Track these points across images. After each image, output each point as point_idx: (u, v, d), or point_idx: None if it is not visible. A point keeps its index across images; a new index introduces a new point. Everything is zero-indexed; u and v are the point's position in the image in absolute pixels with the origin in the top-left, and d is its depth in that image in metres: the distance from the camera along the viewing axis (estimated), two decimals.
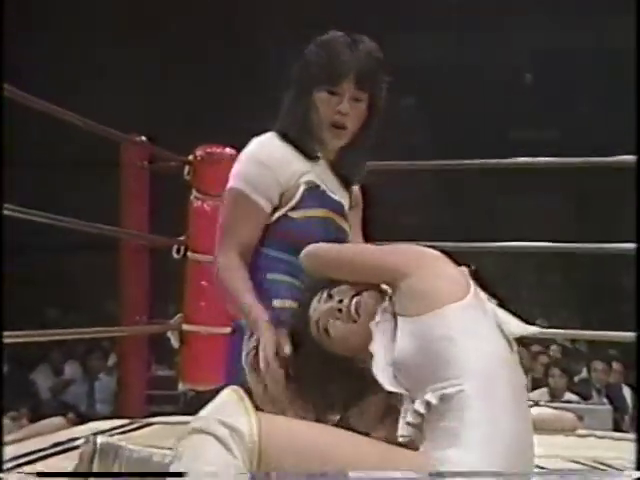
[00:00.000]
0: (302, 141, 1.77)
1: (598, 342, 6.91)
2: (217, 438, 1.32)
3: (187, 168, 3.22)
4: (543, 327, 3.95)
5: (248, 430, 1.32)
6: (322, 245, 1.63)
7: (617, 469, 2.25)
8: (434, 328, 1.40)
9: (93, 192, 8.45)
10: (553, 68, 11.08)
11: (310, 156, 1.78)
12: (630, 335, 2.79)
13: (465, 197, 10.98)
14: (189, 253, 3.15)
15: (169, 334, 3.18)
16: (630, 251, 2.89)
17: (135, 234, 3.25)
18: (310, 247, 1.62)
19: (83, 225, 2.86)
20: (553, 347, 7.07)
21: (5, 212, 2.20)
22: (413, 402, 1.39)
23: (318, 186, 1.78)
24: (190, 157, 3.24)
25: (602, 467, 2.28)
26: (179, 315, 3.18)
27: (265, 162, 1.74)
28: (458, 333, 1.39)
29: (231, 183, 1.76)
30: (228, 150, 3.15)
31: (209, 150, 3.22)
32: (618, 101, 6.71)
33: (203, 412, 1.37)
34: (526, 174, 7.15)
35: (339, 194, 1.84)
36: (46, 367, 7.41)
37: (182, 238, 3.20)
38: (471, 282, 1.49)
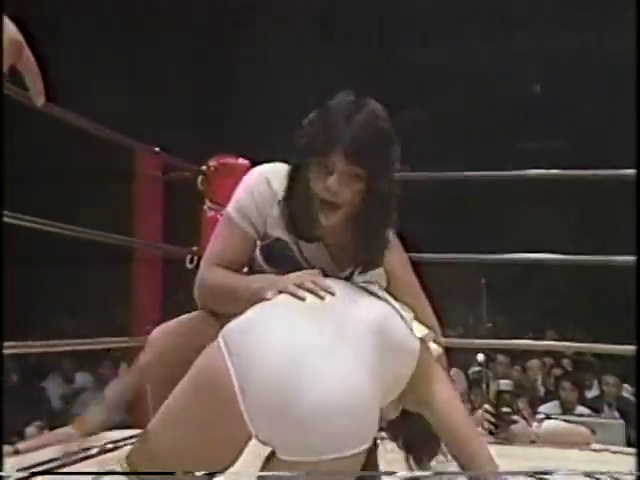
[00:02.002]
0: (295, 216, 1.69)
1: (610, 355, 6.88)
2: None
3: (200, 178, 3.25)
4: (555, 339, 3.93)
5: None
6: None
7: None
8: None
9: (106, 202, 8.48)
10: (563, 79, 11.08)
11: (306, 239, 1.70)
12: (631, 349, 2.78)
13: (473, 208, 10.97)
14: None
15: None
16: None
17: (149, 244, 3.27)
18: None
19: (97, 235, 2.88)
20: (564, 360, 7.05)
21: (14, 222, 2.21)
22: None
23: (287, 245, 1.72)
24: (204, 167, 3.26)
25: None
26: None
27: (256, 197, 1.72)
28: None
29: (228, 206, 1.77)
30: (241, 161, 3.17)
31: (222, 161, 3.25)
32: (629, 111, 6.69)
33: None
34: (534, 185, 7.16)
35: (315, 255, 1.73)
36: (57, 375, 7.44)
37: (195, 248, 3.22)
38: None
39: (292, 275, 1.62)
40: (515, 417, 2.99)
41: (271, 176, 1.73)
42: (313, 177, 1.62)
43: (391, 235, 1.75)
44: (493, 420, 2.96)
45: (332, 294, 1.56)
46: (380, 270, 1.71)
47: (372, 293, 1.64)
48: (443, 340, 1.75)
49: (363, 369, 1.45)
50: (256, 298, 1.58)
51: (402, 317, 1.61)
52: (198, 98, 10.80)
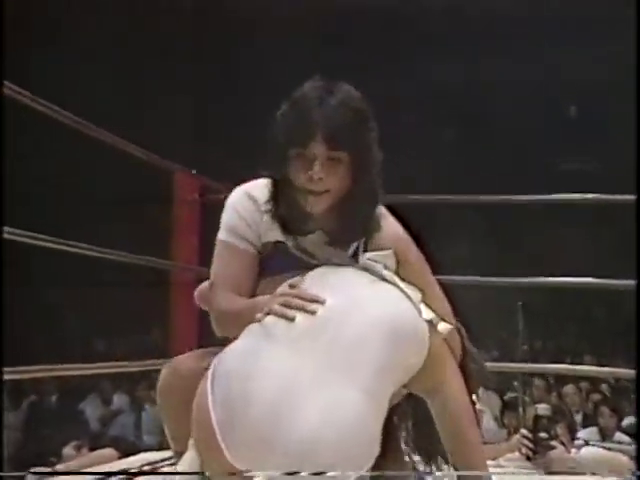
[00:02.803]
0: (285, 214, 1.65)
1: None
2: None
3: None
4: (593, 364, 3.89)
5: None
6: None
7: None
8: None
9: (143, 224, 8.57)
10: (598, 100, 11.01)
11: (299, 233, 1.66)
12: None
13: (510, 231, 10.90)
14: None
15: None
16: None
17: (185, 266, 3.30)
18: None
19: (134, 258, 2.91)
20: (603, 385, 6.94)
21: (53, 245, 2.24)
22: None
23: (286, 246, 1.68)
24: None
25: None
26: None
27: (242, 213, 1.70)
28: None
29: (218, 233, 1.74)
30: None
31: None
32: None
33: None
34: (571, 208, 7.09)
35: (326, 253, 1.68)
36: (96, 397, 7.49)
37: None
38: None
39: (278, 291, 1.55)
40: (553, 443, 2.94)
41: (249, 188, 1.72)
42: (294, 170, 1.58)
43: (393, 222, 1.69)
44: (531, 445, 2.92)
45: (322, 303, 1.48)
46: (388, 252, 1.63)
47: (376, 274, 1.59)
48: (454, 322, 1.67)
49: (356, 393, 1.38)
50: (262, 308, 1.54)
51: (410, 299, 1.56)
52: (231, 118, 10.90)
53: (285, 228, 1.66)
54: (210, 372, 1.43)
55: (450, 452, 1.61)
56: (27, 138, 8.36)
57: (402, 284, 1.58)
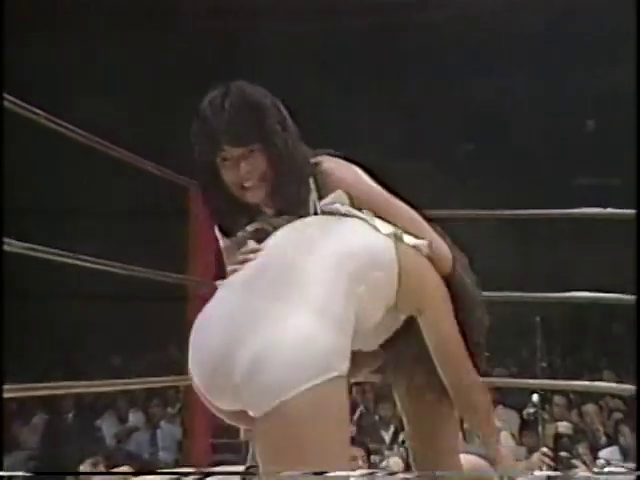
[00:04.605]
0: (232, 220, 1.77)
1: None
2: None
3: None
4: (613, 381, 3.84)
5: None
6: None
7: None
8: None
9: (160, 239, 8.59)
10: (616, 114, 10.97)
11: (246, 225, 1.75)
12: None
13: (531, 246, 10.86)
14: None
15: None
16: None
17: (202, 282, 3.28)
18: None
19: (150, 273, 2.90)
20: (623, 402, 6.84)
21: (70, 260, 2.24)
22: None
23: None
24: None
25: None
26: None
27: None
28: None
29: None
30: None
31: None
32: None
33: None
34: (590, 223, 7.04)
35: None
36: (112, 414, 7.48)
37: None
38: None
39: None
40: (575, 462, 2.89)
41: None
42: (226, 176, 1.69)
43: (336, 169, 1.74)
44: (552, 464, 2.87)
45: (258, 250, 1.59)
46: (338, 192, 1.70)
47: (334, 213, 1.66)
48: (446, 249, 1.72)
49: (302, 314, 1.44)
50: None
51: (364, 220, 1.62)
52: None
53: (233, 230, 1.76)
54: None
55: (443, 375, 1.65)
56: (40, 152, 8.43)
57: (356, 211, 1.65)
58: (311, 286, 1.48)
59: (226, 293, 1.58)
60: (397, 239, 1.60)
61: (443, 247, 1.72)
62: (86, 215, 10.26)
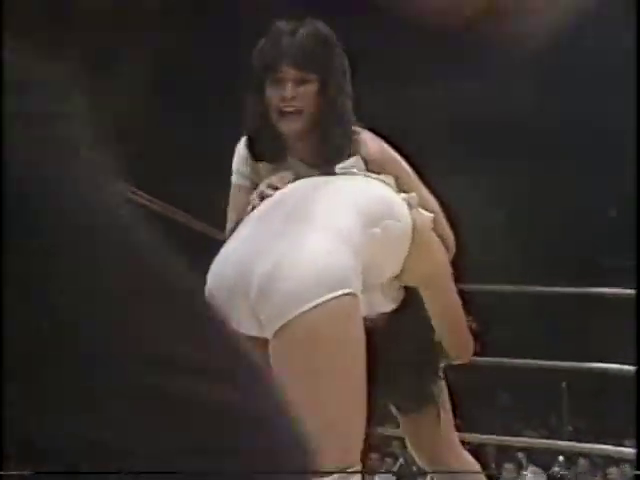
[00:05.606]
0: (260, 146, 1.76)
1: None
2: None
3: None
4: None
5: None
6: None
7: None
8: None
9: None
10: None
11: (270, 159, 1.76)
12: None
13: (556, 316, 11.07)
14: None
15: None
16: None
17: None
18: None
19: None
20: None
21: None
22: None
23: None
24: None
25: None
26: None
27: (241, 153, 1.80)
28: None
29: None
30: None
31: None
32: None
33: None
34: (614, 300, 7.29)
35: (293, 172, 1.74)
36: None
37: None
38: None
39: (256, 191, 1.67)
40: None
41: (236, 151, 1.83)
42: (270, 93, 1.69)
43: (373, 142, 1.73)
44: None
45: (276, 188, 1.60)
46: (355, 158, 1.70)
47: (349, 175, 1.66)
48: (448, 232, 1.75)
49: (318, 232, 1.44)
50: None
51: (384, 182, 1.63)
52: None
53: (258, 155, 1.76)
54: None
55: (446, 346, 1.71)
56: None
57: (374, 175, 1.66)
58: (330, 214, 1.48)
59: (244, 226, 1.55)
60: (411, 206, 1.62)
61: (448, 229, 1.75)
62: None
